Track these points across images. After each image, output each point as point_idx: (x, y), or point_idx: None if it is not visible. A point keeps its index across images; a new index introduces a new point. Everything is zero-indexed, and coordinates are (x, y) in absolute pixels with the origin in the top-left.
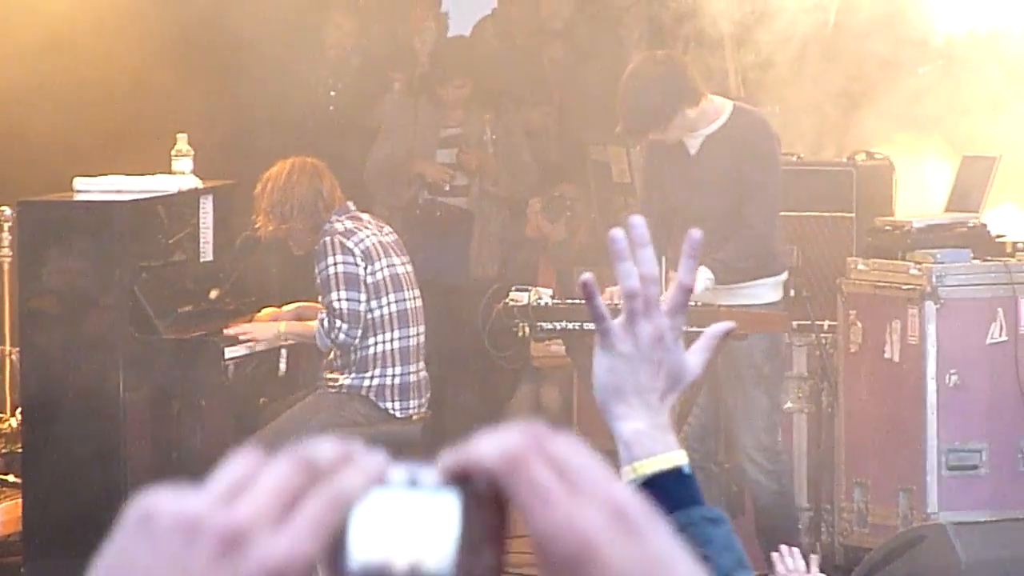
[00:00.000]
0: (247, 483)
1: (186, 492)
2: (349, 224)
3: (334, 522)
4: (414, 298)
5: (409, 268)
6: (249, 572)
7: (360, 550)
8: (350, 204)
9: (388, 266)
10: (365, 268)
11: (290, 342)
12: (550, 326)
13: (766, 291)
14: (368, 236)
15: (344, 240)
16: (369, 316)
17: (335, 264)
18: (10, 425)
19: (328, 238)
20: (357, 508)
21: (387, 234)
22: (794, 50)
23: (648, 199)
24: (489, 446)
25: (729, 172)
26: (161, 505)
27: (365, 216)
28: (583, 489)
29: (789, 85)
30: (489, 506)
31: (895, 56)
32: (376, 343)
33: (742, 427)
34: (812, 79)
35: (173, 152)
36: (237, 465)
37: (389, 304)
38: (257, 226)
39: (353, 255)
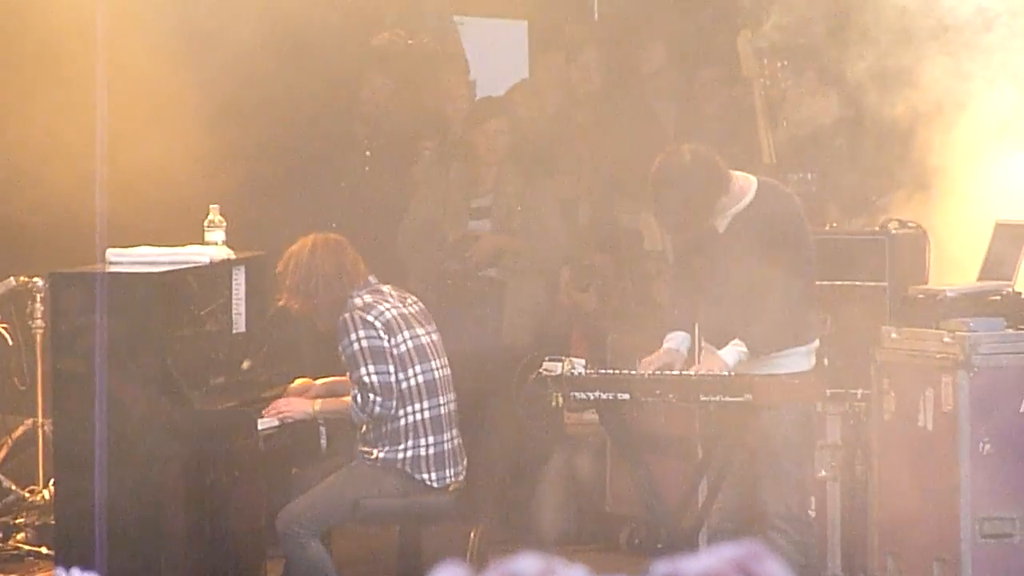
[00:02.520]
0: None
1: None
2: (368, 298)
3: None
4: (442, 367)
5: (435, 337)
6: None
7: None
8: (371, 278)
9: (412, 337)
10: (388, 340)
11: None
12: (583, 396)
13: (798, 360)
14: (388, 309)
15: (364, 315)
16: (397, 388)
17: (358, 340)
18: (43, 496)
19: (348, 315)
20: None
21: (410, 305)
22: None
23: (679, 273)
24: (725, 549)
25: (758, 248)
26: None
27: (386, 288)
28: None
29: (823, 155)
30: None
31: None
32: (406, 415)
33: (771, 497)
34: (846, 150)
35: (206, 223)
36: None
37: (416, 375)
38: (281, 303)
39: (375, 328)
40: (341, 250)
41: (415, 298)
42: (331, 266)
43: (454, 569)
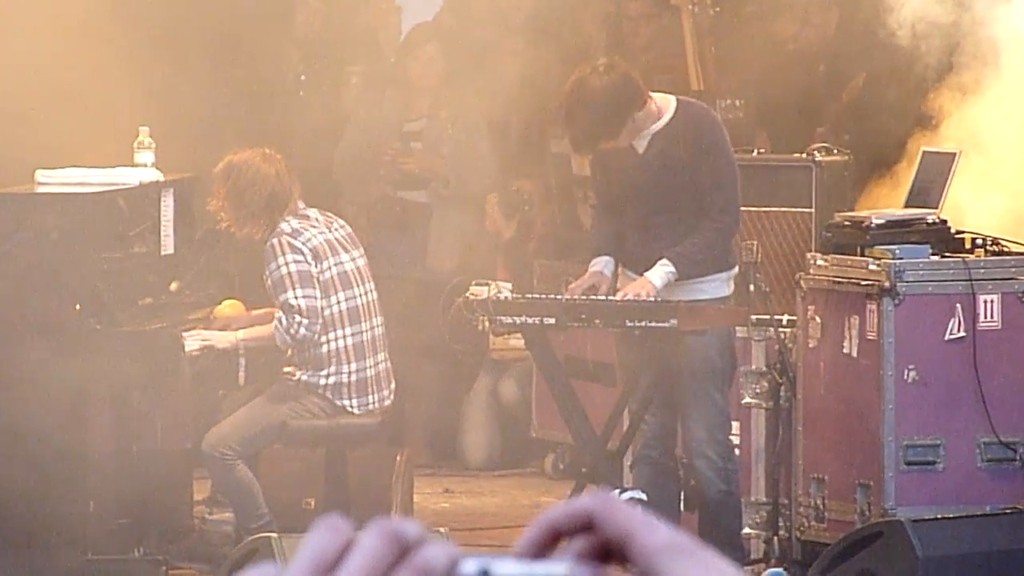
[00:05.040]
0: (337, 558)
1: (278, 572)
2: (296, 224)
3: None
4: (366, 293)
5: (360, 263)
6: None
7: None
8: (300, 203)
9: (336, 264)
10: (315, 266)
11: (247, 348)
12: (510, 320)
13: (719, 286)
14: (315, 235)
15: (292, 240)
16: (322, 313)
17: (286, 264)
18: None
19: (275, 240)
20: None
21: (336, 229)
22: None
23: (601, 200)
24: (571, 503)
25: (680, 166)
26: None
27: (313, 213)
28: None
29: (752, 82)
30: None
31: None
32: (329, 340)
33: (696, 423)
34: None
35: (135, 144)
36: (325, 538)
37: (340, 302)
38: (211, 208)
39: (302, 253)
40: (280, 169)
41: (342, 222)
42: (269, 182)
43: (335, 522)
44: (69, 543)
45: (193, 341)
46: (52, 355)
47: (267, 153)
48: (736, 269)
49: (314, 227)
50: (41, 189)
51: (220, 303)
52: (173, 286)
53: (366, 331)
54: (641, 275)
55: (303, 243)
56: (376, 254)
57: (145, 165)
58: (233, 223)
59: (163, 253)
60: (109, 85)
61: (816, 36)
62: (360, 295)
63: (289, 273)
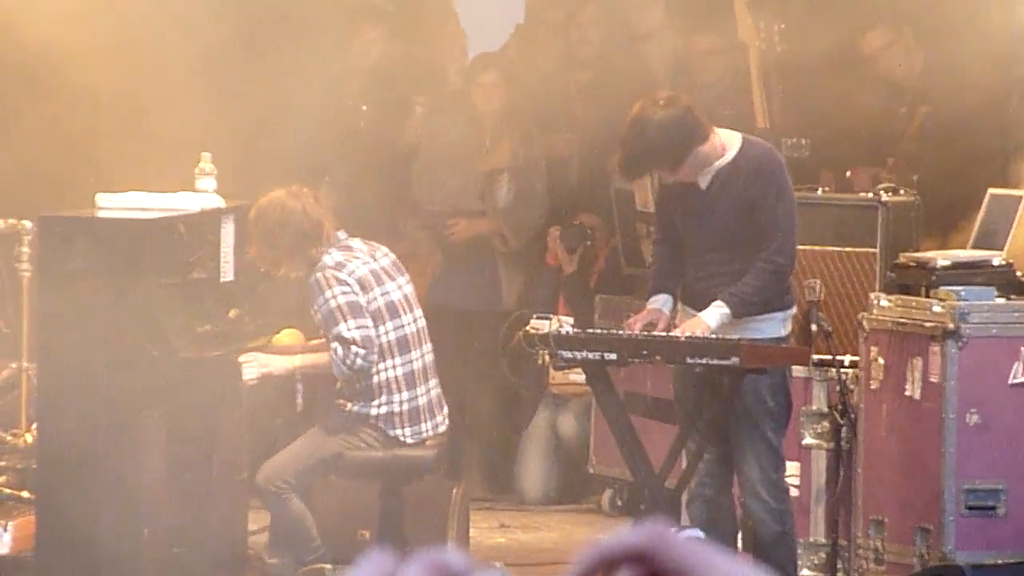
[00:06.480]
0: None
1: None
2: (339, 256)
3: None
4: (414, 321)
5: (408, 290)
6: None
7: None
8: (340, 233)
9: (382, 294)
10: (362, 296)
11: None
12: (571, 355)
13: (775, 325)
14: (360, 266)
15: (336, 273)
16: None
17: (334, 297)
18: (25, 440)
19: (320, 274)
20: None
21: (380, 258)
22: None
23: (662, 237)
24: (627, 535)
25: (741, 204)
26: None
27: (356, 243)
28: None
29: (818, 121)
30: None
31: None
32: (379, 371)
33: (749, 463)
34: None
35: (196, 170)
36: (372, 569)
37: (388, 332)
38: (250, 254)
39: (349, 284)
40: (308, 203)
41: (385, 250)
42: (296, 218)
43: (379, 556)
44: (122, 572)
45: (251, 369)
46: (108, 380)
47: (294, 189)
48: (793, 309)
49: (357, 258)
50: (102, 213)
51: (279, 332)
52: (232, 313)
53: (416, 359)
54: (698, 312)
55: (348, 274)
56: (440, 285)
57: (206, 191)
58: (269, 265)
59: (222, 280)
60: (172, 111)
61: (903, 59)
62: (408, 323)
63: (339, 306)
